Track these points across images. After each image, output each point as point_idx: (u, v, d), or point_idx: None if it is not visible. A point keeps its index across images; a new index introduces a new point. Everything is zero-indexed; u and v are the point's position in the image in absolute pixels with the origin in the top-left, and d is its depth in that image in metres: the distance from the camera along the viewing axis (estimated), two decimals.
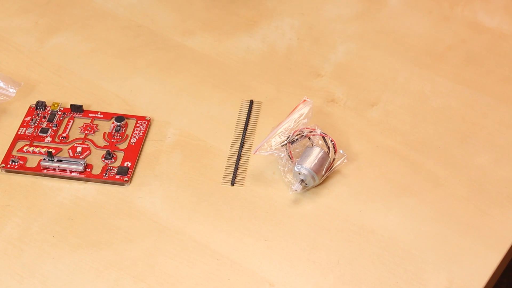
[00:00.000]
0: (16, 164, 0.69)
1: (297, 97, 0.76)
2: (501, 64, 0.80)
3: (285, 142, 0.68)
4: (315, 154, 0.67)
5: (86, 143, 0.71)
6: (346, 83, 0.78)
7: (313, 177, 0.66)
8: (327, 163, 0.67)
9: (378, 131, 0.73)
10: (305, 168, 0.66)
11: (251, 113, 0.74)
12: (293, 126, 0.69)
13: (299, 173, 0.66)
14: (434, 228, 0.65)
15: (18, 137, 0.71)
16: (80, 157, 0.70)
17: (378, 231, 0.65)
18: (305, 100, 0.70)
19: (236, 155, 0.70)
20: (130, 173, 0.69)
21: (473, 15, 0.86)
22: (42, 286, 0.61)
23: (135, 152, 0.70)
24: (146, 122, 0.73)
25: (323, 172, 0.67)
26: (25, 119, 0.73)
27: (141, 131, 0.72)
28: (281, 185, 0.68)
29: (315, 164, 0.66)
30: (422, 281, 0.62)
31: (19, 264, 0.63)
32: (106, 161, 0.70)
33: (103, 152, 0.70)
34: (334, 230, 0.65)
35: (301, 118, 0.69)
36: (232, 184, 0.68)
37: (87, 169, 0.69)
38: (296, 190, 0.66)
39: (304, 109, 0.70)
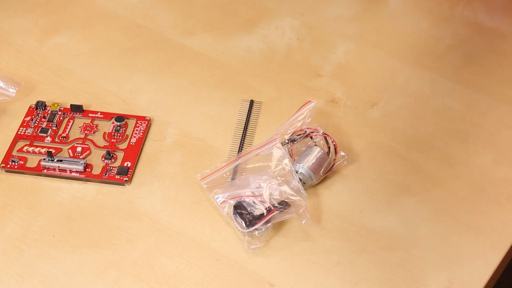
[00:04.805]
0: (16, 164, 0.69)
1: (297, 97, 0.76)
2: (501, 64, 0.80)
3: (286, 141, 0.68)
4: (314, 153, 0.67)
5: (86, 143, 0.71)
6: (346, 83, 0.78)
7: (310, 177, 0.66)
8: (326, 163, 0.67)
9: (378, 131, 0.73)
10: (303, 167, 0.66)
11: (251, 113, 0.74)
12: (298, 125, 0.69)
13: (297, 172, 0.66)
14: (434, 228, 0.65)
15: (18, 137, 0.71)
16: (80, 157, 0.70)
17: (378, 231, 0.65)
18: (310, 101, 0.70)
19: (236, 155, 0.70)
20: (130, 173, 0.69)
21: (473, 15, 0.86)
22: (42, 286, 0.61)
23: (135, 152, 0.70)
24: (146, 122, 0.73)
25: (322, 172, 0.67)
26: (25, 119, 0.73)
27: (141, 131, 0.72)
28: None
29: (313, 163, 0.67)
30: (422, 281, 0.62)
31: (19, 264, 0.63)
32: (106, 161, 0.70)
33: (103, 152, 0.70)
34: (334, 230, 0.65)
35: (305, 116, 0.69)
36: None
37: (87, 169, 0.69)
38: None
39: (307, 108, 0.70)
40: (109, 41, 0.82)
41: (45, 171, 0.69)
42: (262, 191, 0.65)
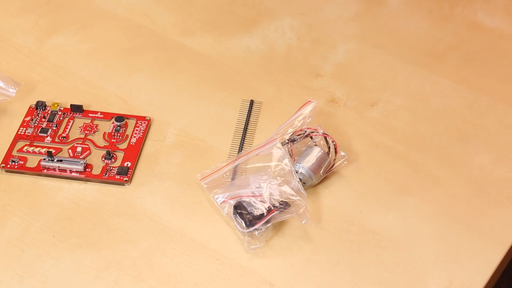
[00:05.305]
0: (16, 164, 0.69)
1: (297, 97, 0.76)
2: (501, 64, 0.80)
3: (286, 141, 0.68)
4: (314, 153, 0.67)
5: (86, 143, 0.71)
6: (346, 83, 0.78)
7: (310, 177, 0.66)
8: (326, 163, 0.67)
9: (378, 131, 0.73)
10: (303, 167, 0.66)
11: (251, 113, 0.74)
12: (299, 125, 0.69)
13: (297, 172, 0.66)
14: (434, 228, 0.65)
15: (18, 137, 0.71)
16: (80, 157, 0.70)
17: (378, 231, 0.65)
18: (310, 101, 0.70)
19: (236, 155, 0.70)
20: (130, 173, 0.69)
21: (473, 15, 0.86)
22: (42, 286, 0.61)
23: (135, 152, 0.70)
24: (146, 122, 0.73)
25: (322, 172, 0.67)
26: (25, 119, 0.73)
27: (141, 131, 0.72)
28: None
29: (313, 163, 0.67)
30: (422, 281, 0.62)
31: (19, 264, 0.63)
32: (106, 161, 0.70)
33: (103, 152, 0.70)
34: (334, 230, 0.65)
35: (305, 116, 0.69)
36: None
37: (87, 169, 0.69)
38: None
39: (307, 108, 0.70)
40: (109, 41, 0.82)
41: (45, 171, 0.69)
42: (262, 191, 0.65)
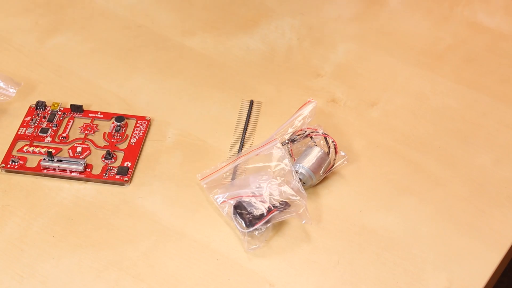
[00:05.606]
0: (16, 164, 0.69)
1: (297, 97, 0.76)
2: (501, 64, 0.80)
3: (286, 141, 0.68)
4: (314, 153, 0.67)
5: (86, 143, 0.71)
6: (346, 83, 0.78)
7: (310, 177, 0.66)
8: (326, 163, 0.67)
9: (378, 131, 0.73)
10: (303, 167, 0.66)
11: (251, 113, 0.74)
12: (299, 125, 0.69)
13: (297, 172, 0.66)
14: (434, 228, 0.65)
15: (18, 137, 0.71)
16: (80, 157, 0.70)
17: (378, 231, 0.65)
18: (309, 101, 0.70)
19: (236, 155, 0.70)
20: (130, 173, 0.69)
21: (473, 15, 0.86)
22: (42, 286, 0.61)
23: (135, 152, 0.70)
24: (146, 122, 0.73)
25: (322, 172, 0.67)
26: (25, 119, 0.73)
27: (141, 131, 0.72)
28: None
29: (313, 163, 0.67)
30: (422, 281, 0.62)
31: (19, 264, 0.63)
32: (106, 161, 0.70)
33: (103, 152, 0.70)
34: (334, 230, 0.65)
35: (305, 116, 0.69)
36: None
37: (87, 169, 0.69)
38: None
39: (307, 108, 0.70)
40: (109, 41, 0.82)
41: (45, 171, 0.69)
42: (262, 191, 0.65)
